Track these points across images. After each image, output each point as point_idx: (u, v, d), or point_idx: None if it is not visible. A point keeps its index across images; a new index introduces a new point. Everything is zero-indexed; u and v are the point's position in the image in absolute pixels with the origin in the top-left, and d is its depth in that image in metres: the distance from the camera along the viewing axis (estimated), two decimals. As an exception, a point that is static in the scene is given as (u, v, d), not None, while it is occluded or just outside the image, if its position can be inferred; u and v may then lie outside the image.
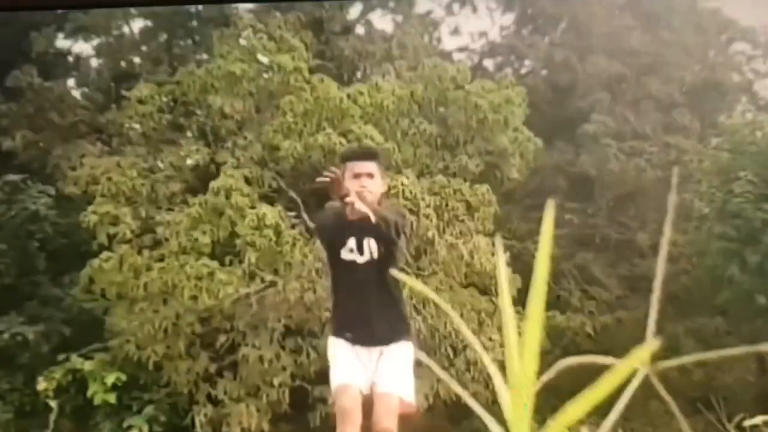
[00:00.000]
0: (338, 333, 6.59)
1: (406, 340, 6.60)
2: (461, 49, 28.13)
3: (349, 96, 19.36)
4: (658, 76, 25.07)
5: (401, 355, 6.51)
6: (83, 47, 26.17)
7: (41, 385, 17.04)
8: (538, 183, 21.70)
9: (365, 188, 6.52)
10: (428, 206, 18.36)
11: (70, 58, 26.24)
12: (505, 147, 19.81)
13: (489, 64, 28.01)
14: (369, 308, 6.54)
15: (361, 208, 6.30)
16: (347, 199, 6.21)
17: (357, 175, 6.59)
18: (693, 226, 19.98)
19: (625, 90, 24.82)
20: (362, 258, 6.52)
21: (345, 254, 6.54)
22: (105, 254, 17.74)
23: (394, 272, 6.32)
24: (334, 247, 6.68)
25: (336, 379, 6.41)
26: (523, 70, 27.25)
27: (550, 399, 1.25)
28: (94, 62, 26.05)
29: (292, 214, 18.56)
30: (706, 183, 20.78)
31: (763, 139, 19.66)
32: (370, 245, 6.51)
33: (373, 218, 6.38)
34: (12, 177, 20.62)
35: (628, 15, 26.45)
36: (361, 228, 6.43)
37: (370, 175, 6.72)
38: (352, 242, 6.53)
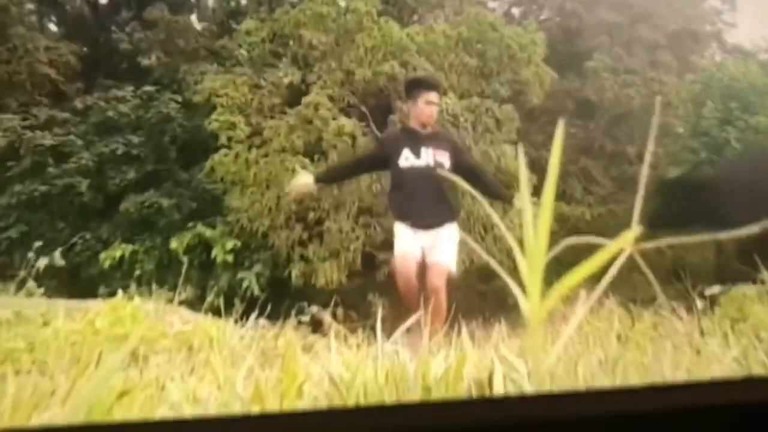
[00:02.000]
0: (401, 219, 6.79)
1: (454, 222, 6.86)
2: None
3: (408, 35, 19.84)
4: (646, 24, 25.68)
5: (450, 234, 6.75)
6: None
7: (173, 244, 18.00)
8: (551, 105, 22.01)
9: (434, 112, 7.04)
10: (466, 121, 18.92)
11: None
12: (528, 77, 20.35)
13: (516, 11, 28.57)
14: (425, 201, 6.78)
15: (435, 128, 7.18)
16: (428, 122, 6.95)
17: (429, 102, 6.93)
18: (671, 141, 20.37)
19: (620, 34, 25.36)
20: (419, 162, 6.77)
21: (402, 161, 6.81)
22: (223, 150, 18.66)
23: (443, 172, 6.64)
24: (391, 157, 6.92)
25: (397, 248, 6.71)
26: (542, 17, 27.63)
27: (557, 268, 1.25)
28: (211, 1, 26.46)
29: (362, 124, 19.00)
30: (682, 109, 21.37)
31: (726, 76, 20.01)
32: (428, 153, 6.79)
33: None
34: (148, 87, 21.40)
35: None
36: (424, 139, 6.86)
37: (437, 103, 7.17)
38: (407, 152, 6.80)
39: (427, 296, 6.31)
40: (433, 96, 7.03)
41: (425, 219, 6.71)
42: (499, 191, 7.59)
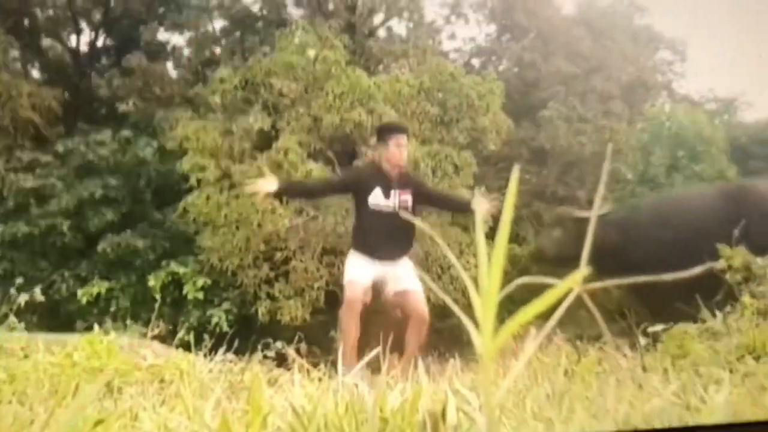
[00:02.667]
0: (360, 250, 7.45)
1: (408, 257, 7.55)
2: (456, 50, 28.84)
3: (374, 83, 20.30)
4: (601, 75, 26.09)
5: (409, 266, 7.43)
6: (178, 39, 27.17)
7: (150, 281, 18.45)
8: (507, 152, 22.53)
9: (404, 154, 7.57)
10: (427, 166, 19.33)
11: (168, 47, 27.22)
12: (486, 125, 20.81)
13: (476, 62, 28.57)
14: (388, 236, 7.31)
15: (402, 165, 7.66)
16: (398, 164, 7.51)
17: (399, 145, 7.48)
18: (620, 187, 20.91)
19: (575, 85, 25.76)
20: (387, 202, 7.33)
21: (372, 199, 7.32)
22: (195, 192, 19.10)
23: (404, 214, 7.16)
24: (363, 192, 7.43)
25: (347, 275, 7.31)
26: (501, 68, 27.94)
27: (509, 306, 1.19)
28: (186, 51, 26.98)
29: (329, 168, 19.41)
30: (631, 156, 21.87)
31: (675, 124, 20.56)
32: (395, 195, 7.35)
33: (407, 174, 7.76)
34: (126, 132, 21.96)
35: (581, 28, 27.17)
36: (393, 180, 7.42)
37: (406, 146, 7.65)
38: (378, 191, 7.32)
39: (408, 322, 7.03)
40: (402, 139, 7.61)
41: (386, 252, 7.35)
42: (459, 204, 8.75)
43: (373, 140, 9.57)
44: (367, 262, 7.37)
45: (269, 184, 7.31)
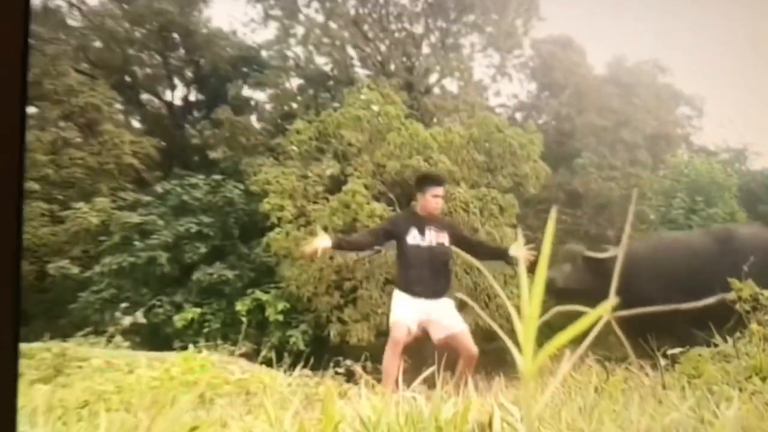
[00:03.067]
0: (404, 288, 7.05)
1: (449, 297, 7.13)
2: (501, 105, 28.85)
3: (430, 134, 20.63)
4: (627, 127, 26.10)
5: (450, 305, 7.06)
6: (260, 95, 27.50)
7: (238, 306, 18.75)
8: (546, 195, 22.78)
9: (439, 204, 7.36)
10: (475, 207, 19.62)
11: (252, 102, 27.58)
12: (527, 172, 21.15)
13: (518, 116, 28.32)
14: (427, 272, 7.03)
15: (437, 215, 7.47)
16: (433, 212, 7.30)
17: (435, 195, 7.23)
18: (644, 227, 20.79)
19: (605, 136, 25.92)
20: (423, 240, 7.13)
21: (410, 239, 7.09)
22: (277, 229, 19.52)
23: (453, 248, 7.14)
24: (401, 235, 7.14)
25: (393, 315, 6.91)
26: (540, 121, 28.03)
27: (547, 332, 1.16)
28: (267, 105, 27.40)
29: (390, 208, 19.53)
30: (654, 199, 22.06)
31: (693, 172, 20.55)
32: (431, 234, 7.14)
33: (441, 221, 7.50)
34: (216, 177, 22.48)
35: (611, 86, 27.21)
36: (428, 222, 7.18)
37: (442, 196, 7.42)
38: (414, 231, 7.11)
39: (459, 359, 6.71)
40: (439, 191, 7.36)
41: (427, 289, 7.01)
42: (495, 251, 8.16)
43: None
44: (411, 300, 7.01)
45: (323, 241, 6.86)
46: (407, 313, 6.88)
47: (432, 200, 7.29)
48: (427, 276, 7.10)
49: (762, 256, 9.19)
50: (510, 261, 7.71)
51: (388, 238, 7.54)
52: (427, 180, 7.72)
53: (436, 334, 6.91)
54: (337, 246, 7.27)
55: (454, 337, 6.82)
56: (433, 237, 7.22)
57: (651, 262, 10.58)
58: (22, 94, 1.45)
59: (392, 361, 6.51)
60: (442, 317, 6.96)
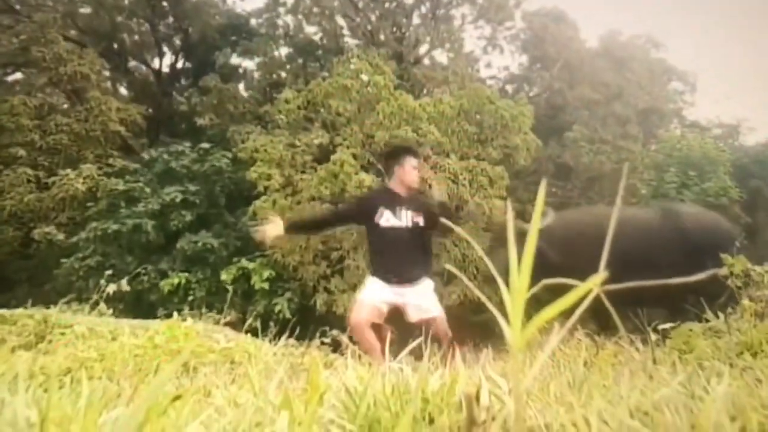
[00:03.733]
0: (377, 274, 6.58)
1: (429, 278, 6.69)
2: (492, 77, 28.99)
3: (420, 105, 20.41)
4: (620, 101, 26.07)
5: (429, 288, 6.60)
6: (248, 63, 27.43)
7: (223, 275, 18.51)
8: (536, 167, 22.63)
9: (416, 177, 6.84)
10: (464, 179, 19.44)
11: (240, 71, 27.55)
12: (517, 144, 20.93)
13: (509, 88, 28.51)
14: (403, 257, 6.55)
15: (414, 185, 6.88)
16: (410, 185, 6.75)
17: (414, 167, 6.76)
18: (635, 201, 20.16)
19: (597, 110, 25.90)
20: (398, 221, 6.57)
21: (383, 221, 6.53)
22: (263, 198, 19.34)
23: (443, 221, 6.58)
24: (372, 216, 6.60)
25: (360, 296, 6.46)
26: (531, 94, 27.95)
27: (535, 305, 1.19)
28: (256, 74, 27.26)
29: (379, 179, 18.74)
30: (646, 174, 21.74)
31: (685, 147, 20.21)
32: (407, 214, 6.58)
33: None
34: (204, 145, 22.19)
35: (603, 59, 27.25)
36: (404, 201, 6.64)
37: (419, 169, 6.93)
38: (387, 212, 6.55)
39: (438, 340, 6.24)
40: (415, 162, 6.92)
41: (405, 276, 6.55)
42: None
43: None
44: (384, 286, 6.52)
45: (275, 227, 6.60)
46: (373, 295, 6.44)
47: (410, 172, 6.81)
48: (404, 261, 6.61)
49: (702, 236, 9.25)
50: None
51: (353, 219, 7.31)
52: (403, 150, 7.32)
53: (411, 317, 6.48)
54: (292, 231, 7.07)
55: (429, 322, 6.30)
56: (409, 217, 6.69)
57: (598, 231, 10.09)
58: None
59: (364, 342, 6.09)
60: (420, 302, 6.53)
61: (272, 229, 6.57)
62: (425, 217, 6.74)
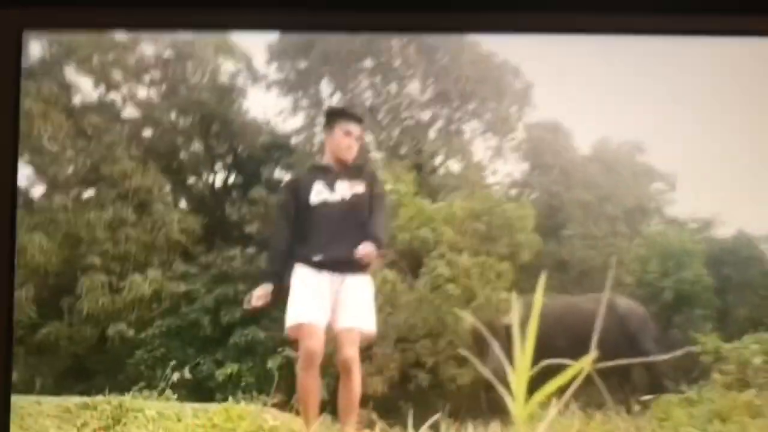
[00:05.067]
0: (306, 258, 5.23)
1: (366, 275, 5.38)
2: (497, 183, 28.79)
3: (435, 209, 21.31)
4: (609, 202, 25.86)
5: (362, 288, 5.35)
6: (289, 177, 27.91)
7: (269, 364, 18.30)
8: (536, 262, 22.76)
9: (354, 146, 5.51)
10: (475, 273, 20.07)
11: (282, 182, 28.22)
12: (521, 241, 21.70)
13: (513, 192, 28.96)
14: (338, 235, 5.21)
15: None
16: (344, 156, 5.49)
17: (348, 133, 5.47)
18: (622, 289, 20.81)
19: (590, 210, 25.78)
20: (333, 195, 5.35)
21: (313, 197, 5.36)
22: None
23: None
24: (302, 195, 5.42)
25: (292, 316, 5.30)
26: (532, 197, 27.99)
27: (536, 383, 1.29)
28: None
29: (401, 275, 19.79)
30: (631, 265, 22.51)
31: (665, 241, 21.76)
32: (343, 185, 5.39)
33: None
34: (251, 249, 22.88)
35: (596, 164, 28.10)
36: (338, 173, 5.44)
37: (358, 137, 5.60)
38: (319, 186, 5.39)
39: (341, 369, 5.44)
40: (352, 127, 5.55)
41: (340, 258, 5.19)
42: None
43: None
44: (314, 278, 5.25)
45: (259, 290, 5.54)
46: (313, 307, 5.23)
47: (343, 140, 5.51)
48: (339, 240, 5.27)
49: (635, 323, 10.28)
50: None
51: (293, 213, 5.67)
52: (336, 113, 6.01)
53: (342, 322, 5.29)
54: (271, 275, 5.67)
55: (355, 333, 5.37)
56: (346, 188, 5.46)
57: (561, 320, 11.02)
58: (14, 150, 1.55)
59: (308, 384, 5.29)
60: (355, 302, 5.33)
61: (258, 290, 5.58)
62: (368, 184, 5.58)
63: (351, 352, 5.41)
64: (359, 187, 5.48)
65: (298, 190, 5.59)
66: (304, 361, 5.26)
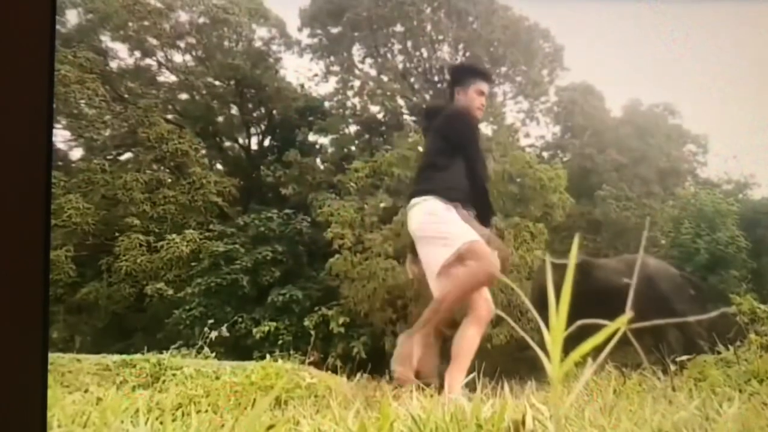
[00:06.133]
0: (451, 199, 4.90)
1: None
2: (530, 145, 28.94)
3: None
4: (642, 164, 26.58)
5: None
6: (323, 140, 27.96)
7: (306, 322, 19.29)
8: (570, 223, 23.10)
9: (483, 105, 5.34)
10: (509, 234, 19.91)
11: (317, 146, 28.10)
12: (554, 202, 21.65)
13: (545, 154, 28.60)
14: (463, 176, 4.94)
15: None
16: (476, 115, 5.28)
17: (480, 93, 5.26)
18: (655, 251, 20.88)
19: (623, 172, 26.33)
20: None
21: None
22: (337, 255, 20.15)
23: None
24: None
25: (466, 236, 4.75)
26: (565, 159, 27.96)
27: (572, 342, 1.18)
28: (330, 149, 27.79)
29: None
30: (665, 226, 22.25)
31: (699, 202, 20.74)
32: None
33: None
34: (288, 210, 23.27)
35: (628, 126, 27.60)
36: None
37: (487, 96, 5.38)
38: None
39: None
40: (484, 86, 5.37)
41: (463, 197, 4.99)
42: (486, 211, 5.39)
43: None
44: (453, 210, 4.95)
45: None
46: (470, 228, 4.82)
47: (477, 98, 5.30)
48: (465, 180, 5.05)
49: (666, 284, 9.63)
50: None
51: None
52: (469, 71, 5.62)
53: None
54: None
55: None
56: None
57: (596, 281, 10.52)
58: (49, 119, 1.50)
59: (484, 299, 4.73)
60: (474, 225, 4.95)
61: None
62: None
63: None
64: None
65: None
66: (484, 282, 4.75)
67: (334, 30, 28.69)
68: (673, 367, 4.96)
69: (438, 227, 4.97)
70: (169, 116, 27.17)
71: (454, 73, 5.78)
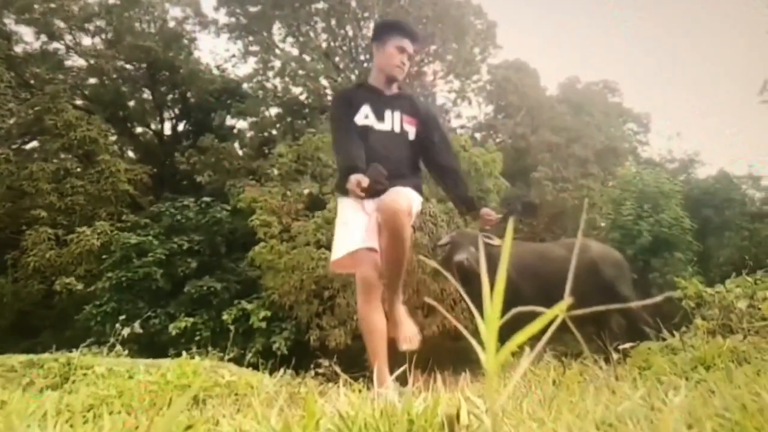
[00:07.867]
0: (345, 191, 4.32)
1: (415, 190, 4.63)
2: (462, 126, 29.48)
3: None
4: (579, 144, 26.82)
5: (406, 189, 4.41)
6: (242, 123, 28.07)
7: (224, 317, 18.82)
8: (505, 207, 22.85)
9: (406, 63, 4.88)
10: (442, 220, 19.81)
11: (235, 130, 28.16)
12: (489, 187, 21.57)
13: (478, 135, 28.78)
14: (385, 164, 4.36)
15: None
16: (394, 73, 4.83)
17: (401, 49, 4.83)
18: (595, 234, 20.93)
19: (558, 152, 26.52)
20: (383, 125, 4.68)
21: (359, 119, 4.63)
22: (261, 244, 19.76)
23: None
24: (351, 111, 4.64)
25: (344, 243, 4.54)
26: (498, 140, 28.46)
27: (507, 331, 1.12)
28: (249, 133, 27.89)
29: None
30: (604, 208, 22.29)
31: (640, 182, 20.67)
32: (394, 117, 4.74)
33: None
34: (205, 199, 22.96)
35: (563, 105, 28.06)
36: (388, 100, 4.83)
37: (411, 54, 4.91)
38: (366, 109, 4.67)
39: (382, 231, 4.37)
40: (405, 43, 4.87)
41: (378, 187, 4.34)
42: (463, 198, 5.24)
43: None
44: (363, 209, 4.61)
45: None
46: (367, 232, 4.54)
47: (395, 56, 4.85)
48: (390, 167, 4.47)
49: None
50: (472, 213, 5.29)
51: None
52: (390, 26, 5.14)
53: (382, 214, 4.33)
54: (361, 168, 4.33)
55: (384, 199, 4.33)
56: (396, 121, 4.79)
57: (533, 265, 10.53)
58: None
59: (377, 323, 4.38)
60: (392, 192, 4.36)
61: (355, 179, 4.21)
62: (419, 127, 4.89)
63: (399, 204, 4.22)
64: (410, 125, 4.83)
65: (349, 105, 4.77)
66: (363, 292, 4.43)
67: (253, 8, 28.47)
68: (616, 356, 4.84)
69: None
70: (78, 102, 27.02)
71: (374, 30, 5.22)
